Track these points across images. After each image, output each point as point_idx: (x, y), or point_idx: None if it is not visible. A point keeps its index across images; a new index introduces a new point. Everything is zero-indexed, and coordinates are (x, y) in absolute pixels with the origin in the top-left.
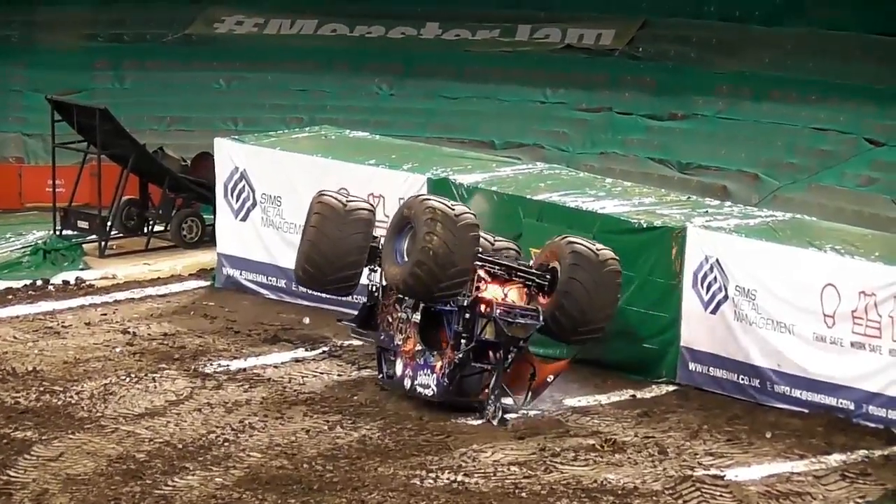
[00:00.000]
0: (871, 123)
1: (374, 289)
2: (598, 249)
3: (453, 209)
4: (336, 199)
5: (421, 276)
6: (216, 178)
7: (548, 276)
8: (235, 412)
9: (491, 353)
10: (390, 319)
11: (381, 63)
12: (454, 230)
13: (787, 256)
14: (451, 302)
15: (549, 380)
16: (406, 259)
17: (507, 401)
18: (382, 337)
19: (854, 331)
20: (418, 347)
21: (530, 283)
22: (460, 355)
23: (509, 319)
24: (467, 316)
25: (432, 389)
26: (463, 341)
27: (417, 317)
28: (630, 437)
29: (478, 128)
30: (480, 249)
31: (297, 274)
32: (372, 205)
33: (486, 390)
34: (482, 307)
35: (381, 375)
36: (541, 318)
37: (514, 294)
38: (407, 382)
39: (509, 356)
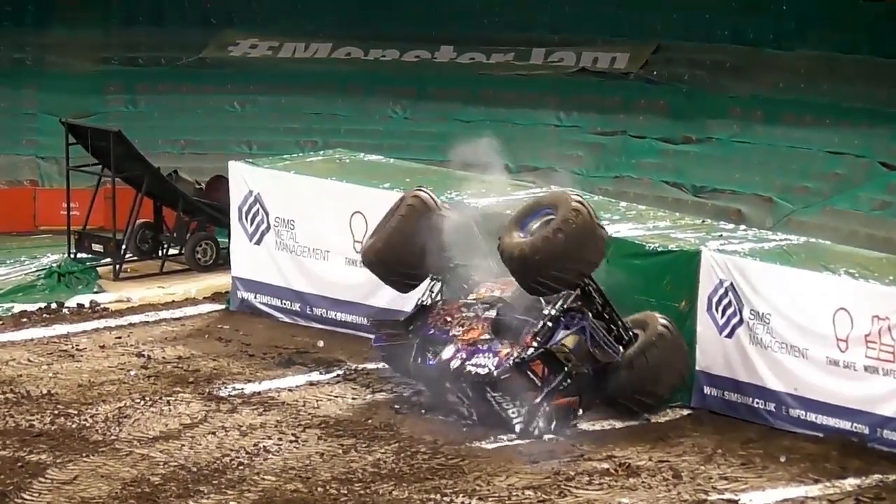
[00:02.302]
0: (885, 147)
1: (429, 298)
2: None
3: (598, 217)
4: (432, 198)
5: (540, 250)
6: (230, 202)
7: (632, 337)
8: (250, 435)
9: (546, 369)
10: (449, 319)
11: (395, 86)
12: (591, 232)
13: (801, 280)
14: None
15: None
16: (532, 234)
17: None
18: (431, 331)
19: (868, 355)
20: (485, 336)
21: (612, 330)
22: (530, 351)
23: (597, 338)
24: (555, 320)
25: (489, 368)
26: (538, 340)
27: (492, 313)
28: (644, 462)
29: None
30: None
31: (367, 257)
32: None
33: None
34: (578, 313)
35: (418, 360)
36: (620, 356)
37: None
38: (455, 363)
39: (568, 378)
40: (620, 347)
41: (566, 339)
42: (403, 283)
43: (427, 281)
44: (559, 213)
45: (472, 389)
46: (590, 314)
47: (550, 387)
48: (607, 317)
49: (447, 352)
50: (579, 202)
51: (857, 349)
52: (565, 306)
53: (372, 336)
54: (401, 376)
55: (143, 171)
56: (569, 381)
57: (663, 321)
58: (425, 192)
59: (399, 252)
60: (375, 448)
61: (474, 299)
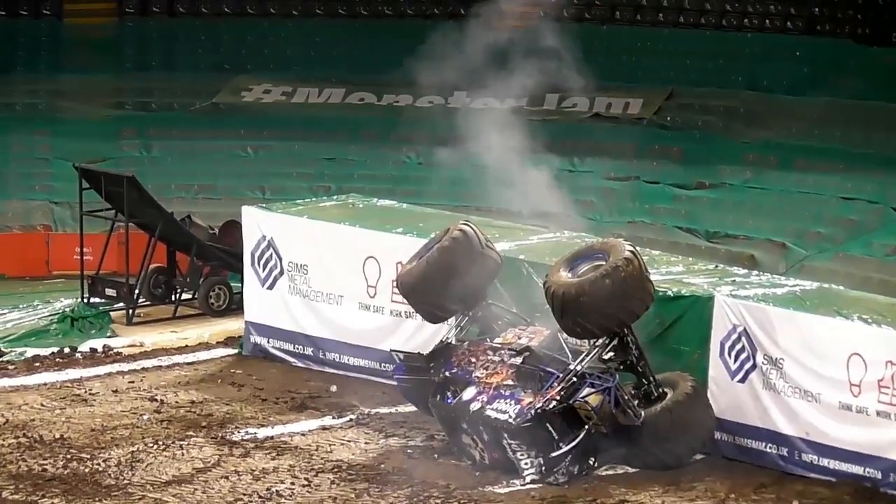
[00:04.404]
0: None
1: (455, 334)
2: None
3: (649, 271)
4: (477, 233)
5: (586, 293)
6: (244, 247)
7: (662, 395)
8: (263, 480)
9: (566, 424)
10: (473, 360)
11: (408, 132)
12: (639, 282)
13: (814, 325)
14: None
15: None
16: (580, 276)
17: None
18: (454, 370)
19: (880, 400)
20: (508, 382)
21: (642, 385)
22: (552, 404)
23: (621, 401)
24: (581, 376)
25: (510, 415)
26: (561, 394)
27: (518, 360)
28: None
29: (505, 196)
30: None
31: (403, 282)
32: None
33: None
34: (605, 373)
35: (437, 397)
36: (641, 420)
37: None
38: (475, 405)
39: (587, 435)
40: (642, 412)
41: (590, 396)
42: (433, 314)
43: (456, 316)
44: (610, 259)
45: (489, 434)
46: (616, 376)
47: (568, 442)
48: (640, 370)
49: (468, 393)
50: (632, 252)
51: (870, 394)
52: (598, 358)
53: (390, 373)
54: (414, 417)
55: (156, 216)
56: (588, 438)
57: (692, 383)
58: (470, 226)
59: (435, 282)
60: (388, 492)
61: (501, 343)
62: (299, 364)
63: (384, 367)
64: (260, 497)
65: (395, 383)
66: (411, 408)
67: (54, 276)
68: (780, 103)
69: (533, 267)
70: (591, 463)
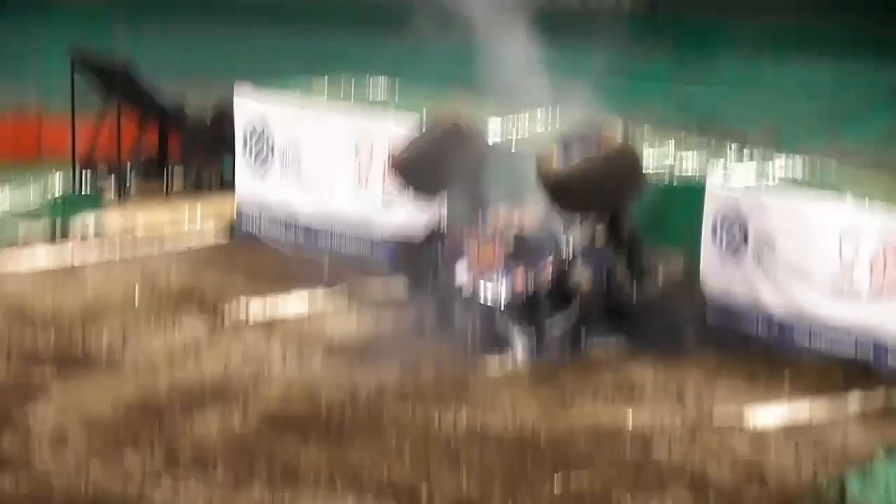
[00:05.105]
0: (894, 75)
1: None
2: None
3: (641, 155)
4: (468, 118)
5: (579, 173)
6: (235, 131)
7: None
8: (254, 355)
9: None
10: (465, 241)
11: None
12: (633, 164)
13: (807, 205)
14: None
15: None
16: (573, 157)
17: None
18: (447, 252)
19: (873, 279)
20: (501, 263)
21: (635, 265)
22: (546, 281)
23: (614, 278)
24: (575, 254)
25: (502, 294)
26: (554, 272)
27: (510, 241)
28: (649, 379)
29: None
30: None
31: (395, 164)
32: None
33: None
34: (599, 251)
35: (431, 278)
36: (633, 298)
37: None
38: (467, 286)
39: (580, 312)
40: (634, 290)
41: (582, 275)
42: (426, 198)
43: (448, 201)
44: (603, 144)
45: (482, 312)
46: (611, 253)
47: (560, 320)
48: (633, 249)
49: (460, 274)
50: (625, 137)
51: (863, 274)
52: (590, 238)
53: (383, 258)
54: (408, 296)
55: (148, 102)
56: (580, 314)
57: (684, 262)
58: (462, 110)
59: (427, 166)
60: (380, 367)
61: (493, 226)
62: (290, 248)
63: (376, 252)
64: (252, 371)
65: (388, 266)
66: (403, 284)
67: (46, 161)
68: None
69: (524, 152)
70: (583, 340)
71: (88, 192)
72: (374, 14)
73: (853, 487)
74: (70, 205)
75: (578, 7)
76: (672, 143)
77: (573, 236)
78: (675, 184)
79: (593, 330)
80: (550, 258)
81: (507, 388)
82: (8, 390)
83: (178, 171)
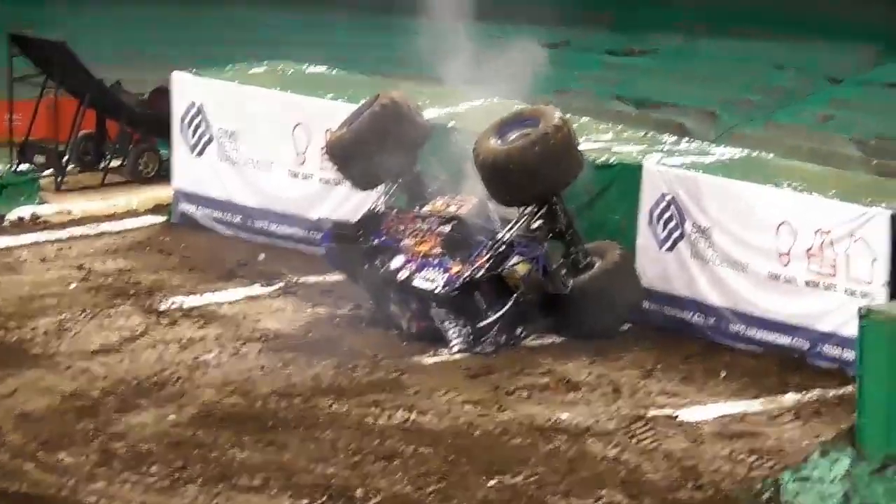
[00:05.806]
0: (829, 61)
1: (383, 202)
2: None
3: (578, 138)
4: (406, 100)
5: (515, 160)
6: (173, 115)
7: (590, 264)
8: (190, 349)
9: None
10: (402, 228)
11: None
12: (568, 150)
13: (744, 193)
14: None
15: None
16: (509, 143)
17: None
18: (383, 238)
19: (809, 269)
20: (436, 251)
21: (571, 254)
22: (480, 273)
23: (549, 269)
24: (509, 245)
25: (438, 284)
26: (490, 263)
27: (447, 228)
28: (584, 377)
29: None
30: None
31: (332, 147)
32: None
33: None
34: (534, 241)
35: (365, 265)
36: (569, 289)
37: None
38: (403, 274)
39: (515, 304)
40: (570, 281)
41: (518, 265)
42: (362, 181)
43: (385, 184)
44: (540, 126)
45: (417, 303)
46: (545, 244)
47: (495, 311)
48: (569, 238)
49: (396, 261)
50: (561, 119)
51: (799, 264)
52: (526, 227)
53: (318, 241)
54: (342, 286)
55: (86, 82)
56: (516, 307)
57: (620, 252)
58: (399, 92)
59: (364, 149)
60: (315, 362)
61: (430, 211)
62: (228, 232)
63: (313, 235)
64: (187, 366)
65: (323, 252)
66: (339, 277)
67: None
68: None
69: (462, 134)
70: (519, 332)
71: (24, 177)
72: None
73: (788, 488)
74: (6, 190)
75: None
76: (609, 126)
77: (510, 226)
78: (611, 170)
79: (529, 321)
80: (486, 247)
81: (442, 384)
82: None
83: (115, 154)
